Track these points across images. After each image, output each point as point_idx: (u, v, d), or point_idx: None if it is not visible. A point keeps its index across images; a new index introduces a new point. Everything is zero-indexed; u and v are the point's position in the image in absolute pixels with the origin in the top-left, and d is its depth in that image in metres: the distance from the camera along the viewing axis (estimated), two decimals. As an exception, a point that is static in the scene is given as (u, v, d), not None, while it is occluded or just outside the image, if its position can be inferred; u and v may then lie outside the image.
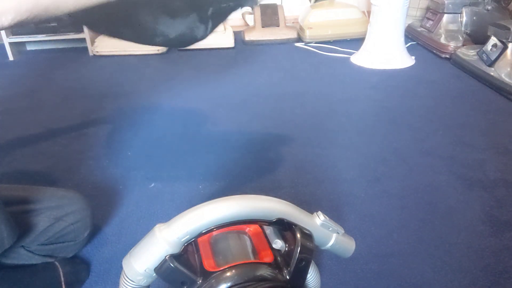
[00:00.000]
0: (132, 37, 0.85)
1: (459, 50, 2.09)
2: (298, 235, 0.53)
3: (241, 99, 1.76)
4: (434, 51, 2.25)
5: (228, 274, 0.50)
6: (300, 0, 2.75)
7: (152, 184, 1.16)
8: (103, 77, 2.05)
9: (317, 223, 0.57)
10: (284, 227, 0.55)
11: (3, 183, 1.15)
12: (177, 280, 0.50)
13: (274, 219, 0.53)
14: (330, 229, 0.58)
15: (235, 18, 2.80)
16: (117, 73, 2.09)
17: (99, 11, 0.61)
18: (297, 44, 2.50)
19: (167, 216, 1.04)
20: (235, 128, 1.51)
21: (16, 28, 2.16)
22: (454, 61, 2.09)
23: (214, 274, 0.50)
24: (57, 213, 0.80)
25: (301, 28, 2.53)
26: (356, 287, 0.84)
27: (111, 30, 0.86)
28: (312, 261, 0.58)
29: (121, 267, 0.51)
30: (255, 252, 0.56)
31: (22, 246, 0.78)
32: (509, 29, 1.76)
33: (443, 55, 2.18)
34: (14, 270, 0.78)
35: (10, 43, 2.30)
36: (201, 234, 0.50)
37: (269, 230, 0.58)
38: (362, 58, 2.16)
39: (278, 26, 2.59)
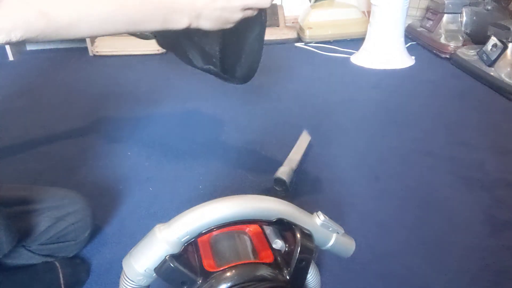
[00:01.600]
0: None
1: (459, 50, 2.09)
2: (298, 235, 0.53)
3: (241, 99, 1.76)
4: (434, 51, 2.25)
5: (228, 274, 0.50)
6: (300, 0, 2.75)
7: (151, 188, 1.16)
8: (103, 77, 2.05)
9: (317, 223, 0.57)
10: (284, 227, 0.55)
11: (3, 183, 1.15)
12: (177, 280, 0.50)
13: (274, 219, 0.53)
14: (330, 229, 0.59)
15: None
16: (117, 73, 2.09)
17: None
18: (297, 44, 2.49)
19: (167, 216, 1.03)
20: (235, 128, 1.51)
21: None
22: (454, 61, 2.09)
23: (214, 274, 0.50)
24: (58, 213, 0.80)
25: (301, 28, 2.53)
26: (356, 287, 0.84)
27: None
28: (312, 261, 0.58)
29: (121, 267, 0.51)
30: (255, 252, 0.56)
31: (23, 245, 0.78)
32: (509, 29, 1.76)
33: (443, 55, 2.18)
34: (13, 272, 0.77)
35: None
36: (201, 234, 0.50)
37: (269, 230, 0.58)
38: (362, 58, 2.16)
39: (278, 26, 2.59)
